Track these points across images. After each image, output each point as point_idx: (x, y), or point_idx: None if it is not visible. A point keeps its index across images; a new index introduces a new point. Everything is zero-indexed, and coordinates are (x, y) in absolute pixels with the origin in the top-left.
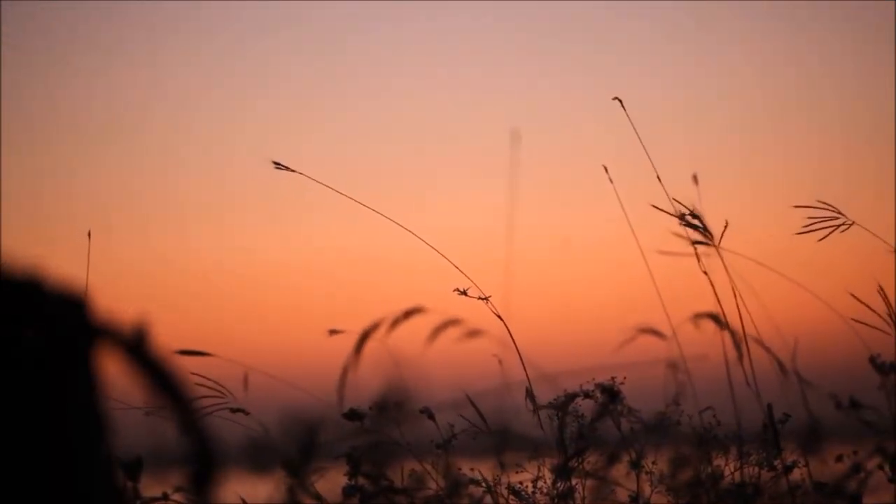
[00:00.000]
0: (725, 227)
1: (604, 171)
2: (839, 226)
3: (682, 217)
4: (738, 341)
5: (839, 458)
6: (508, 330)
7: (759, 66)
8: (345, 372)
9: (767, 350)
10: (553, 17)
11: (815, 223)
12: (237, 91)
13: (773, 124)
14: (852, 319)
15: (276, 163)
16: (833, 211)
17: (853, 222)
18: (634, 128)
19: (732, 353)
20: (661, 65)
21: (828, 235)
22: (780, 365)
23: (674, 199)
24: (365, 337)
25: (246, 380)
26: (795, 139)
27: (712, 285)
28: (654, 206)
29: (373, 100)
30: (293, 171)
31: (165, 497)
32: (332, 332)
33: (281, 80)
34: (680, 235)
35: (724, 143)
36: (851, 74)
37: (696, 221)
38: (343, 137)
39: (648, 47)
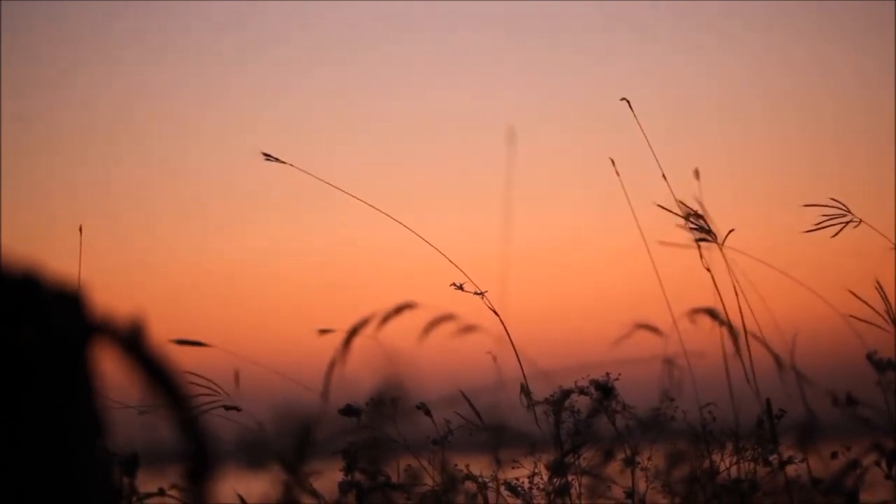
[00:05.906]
0: (730, 232)
1: (600, 167)
2: (848, 223)
3: (686, 217)
4: (735, 336)
5: (833, 455)
6: (504, 325)
7: (751, 65)
8: (331, 368)
9: (765, 345)
10: (550, 16)
11: (826, 221)
12: (236, 90)
13: (768, 124)
14: (850, 316)
15: (265, 154)
16: (842, 209)
17: (861, 220)
18: (641, 128)
19: (730, 349)
20: (657, 64)
21: (839, 232)
22: (778, 360)
23: (679, 202)
24: (353, 333)
25: (237, 376)
26: (792, 138)
27: (714, 281)
28: (659, 206)
29: (368, 98)
30: (283, 162)
31: (162, 493)
32: (322, 331)
33: (280, 80)
34: (681, 230)
35: (721, 142)
36: (849, 73)
37: (700, 222)
38: (340, 135)
39: (647, 46)
